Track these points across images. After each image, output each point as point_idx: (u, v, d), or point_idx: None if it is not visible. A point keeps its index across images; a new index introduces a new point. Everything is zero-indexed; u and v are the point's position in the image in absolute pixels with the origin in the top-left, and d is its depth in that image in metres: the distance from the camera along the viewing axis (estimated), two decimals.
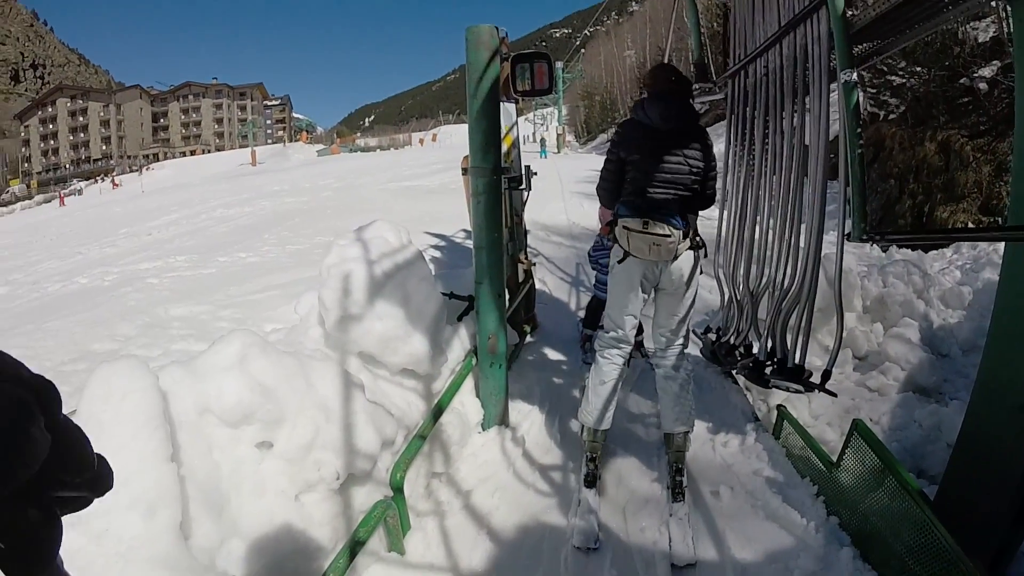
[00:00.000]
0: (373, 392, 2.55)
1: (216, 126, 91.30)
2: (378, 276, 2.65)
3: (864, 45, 2.69)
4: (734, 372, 3.65)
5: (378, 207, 11.38)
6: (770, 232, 3.06)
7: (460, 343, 3.10)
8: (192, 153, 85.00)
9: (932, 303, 4.88)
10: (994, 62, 6.93)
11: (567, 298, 5.76)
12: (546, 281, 6.10)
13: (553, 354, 4.26)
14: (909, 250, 6.64)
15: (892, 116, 8.10)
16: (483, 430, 3.13)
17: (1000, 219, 6.24)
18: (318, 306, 2.71)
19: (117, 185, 54.60)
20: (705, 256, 2.76)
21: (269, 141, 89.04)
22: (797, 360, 2.77)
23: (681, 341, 2.82)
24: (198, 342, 3.52)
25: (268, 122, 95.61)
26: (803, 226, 2.74)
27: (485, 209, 2.77)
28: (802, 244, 2.73)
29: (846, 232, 2.18)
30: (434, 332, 2.79)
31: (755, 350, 3.19)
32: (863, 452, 2.37)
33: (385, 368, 2.74)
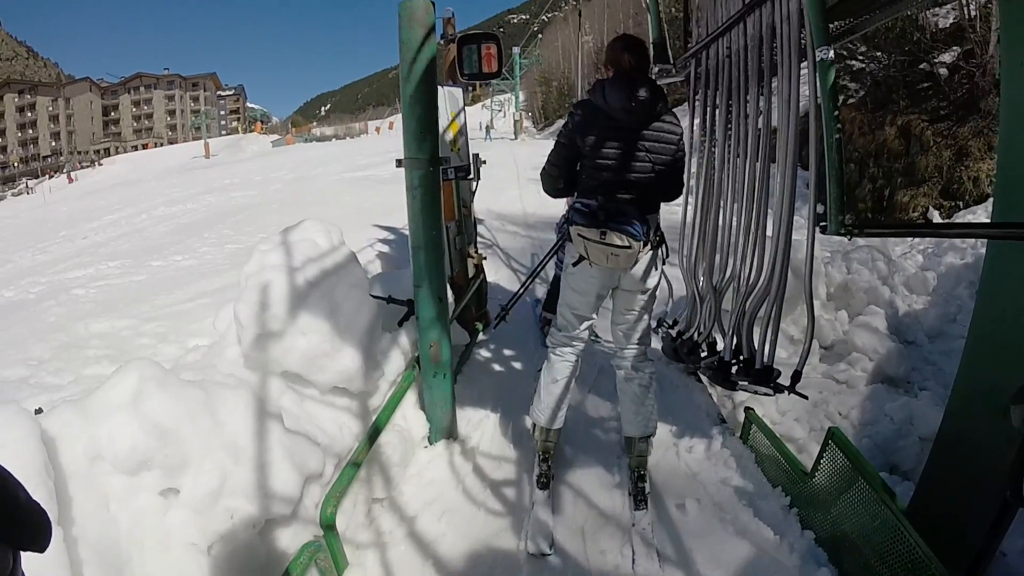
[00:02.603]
0: (297, 418, 2.26)
1: (168, 118, 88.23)
2: (302, 285, 2.35)
3: (836, 24, 2.51)
4: (698, 371, 3.45)
5: (328, 199, 10.96)
6: (734, 222, 2.86)
7: (400, 352, 2.82)
8: (144, 147, 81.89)
9: (897, 289, 4.81)
10: (954, 48, 6.91)
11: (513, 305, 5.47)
12: (499, 274, 5.82)
13: (507, 352, 4.00)
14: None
15: (852, 100, 8.04)
16: (430, 444, 2.87)
17: (960, 203, 6.21)
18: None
19: (73, 180, 53.08)
20: (666, 254, 2.59)
21: (223, 133, 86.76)
22: (765, 360, 2.57)
23: (640, 338, 2.64)
24: (113, 365, 3.16)
25: (222, 113, 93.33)
26: (771, 216, 2.55)
27: (422, 204, 2.46)
28: (769, 235, 2.53)
29: (820, 223, 1.99)
30: (368, 344, 2.50)
31: (719, 347, 2.99)
32: (839, 463, 2.23)
33: (314, 387, 2.44)
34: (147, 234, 10.09)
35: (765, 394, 2.61)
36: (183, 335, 3.57)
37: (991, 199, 5.93)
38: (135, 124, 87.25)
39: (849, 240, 1.91)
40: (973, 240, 5.69)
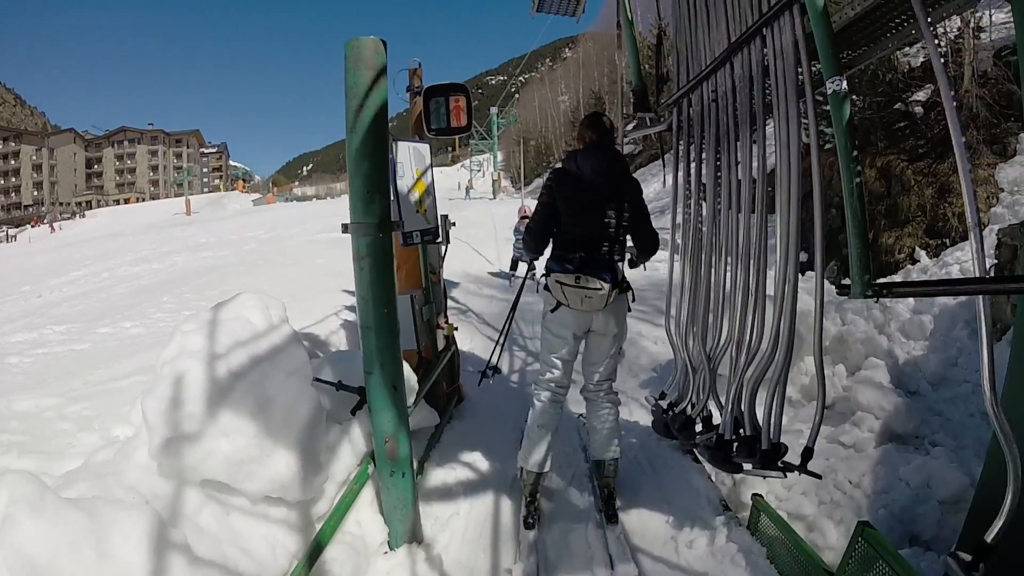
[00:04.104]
0: (218, 539, 1.84)
1: (151, 173, 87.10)
2: (225, 375, 1.97)
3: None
4: (694, 451, 3.10)
5: (301, 260, 10.58)
6: (729, 281, 2.57)
7: (352, 447, 2.41)
8: (126, 201, 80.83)
9: (894, 337, 4.59)
10: (927, 85, 6.93)
11: (498, 360, 5.11)
12: (474, 341, 5.47)
13: (482, 432, 3.60)
14: None
15: (828, 145, 8.04)
16: (390, 550, 2.43)
17: (947, 241, 6.06)
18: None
19: (55, 230, 52.31)
20: (633, 299, 2.82)
21: (205, 190, 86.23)
22: (772, 436, 2.25)
23: (609, 374, 2.87)
24: (24, 455, 2.72)
25: (204, 170, 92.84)
26: (770, 272, 2.26)
27: (371, 277, 2.10)
28: (771, 294, 2.24)
29: (836, 281, 1.73)
30: (308, 443, 2.10)
31: (716, 421, 2.66)
32: (871, 562, 1.87)
33: (243, 496, 2.02)
34: (104, 295, 9.54)
35: (775, 476, 2.28)
36: (109, 420, 3.12)
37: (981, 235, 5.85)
38: (117, 178, 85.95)
39: (876, 302, 1.72)
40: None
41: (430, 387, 3.17)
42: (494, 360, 3.54)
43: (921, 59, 7.42)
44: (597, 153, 2.62)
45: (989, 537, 1.63)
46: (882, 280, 1.65)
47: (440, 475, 3.02)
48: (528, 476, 2.76)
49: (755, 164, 2.34)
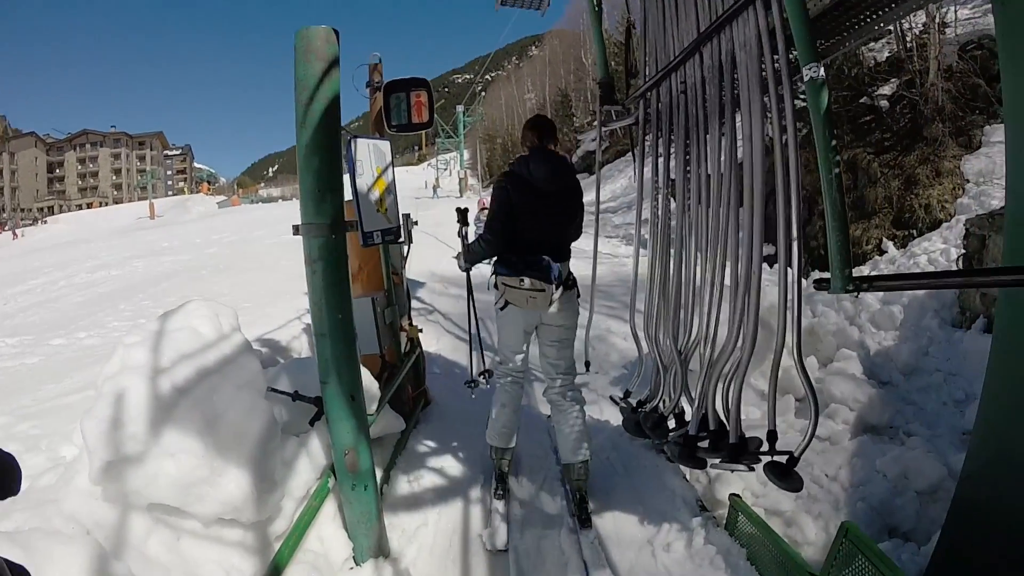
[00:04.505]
0: (168, 569, 1.71)
1: (114, 177, 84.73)
2: (169, 392, 1.83)
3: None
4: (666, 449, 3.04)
5: (265, 264, 10.31)
6: (697, 275, 2.51)
7: (311, 461, 2.28)
8: (89, 206, 78.33)
9: (865, 328, 4.63)
10: (892, 80, 7.01)
11: (466, 359, 4.93)
12: (441, 343, 5.34)
13: (449, 436, 3.49)
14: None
15: (794, 137, 8.09)
16: (356, 565, 2.31)
17: (914, 231, 6.14)
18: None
19: (17, 236, 50.10)
20: (579, 296, 2.90)
21: (170, 193, 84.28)
22: (739, 431, 2.20)
23: (567, 369, 2.90)
24: None
25: (169, 173, 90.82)
26: (740, 267, 2.20)
27: (324, 281, 1.98)
28: (740, 290, 2.18)
29: (814, 278, 1.68)
30: (261, 459, 1.96)
31: (689, 418, 2.60)
32: (856, 563, 1.82)
33: (195, 519, 1.89)
34: (61, 304, 9.19)
35: (743, 470, 2.22)
36: (57, 440, 2.95)
37: (945, 225, 5.95)
38: (80, 182, 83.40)
39: (856, 296, 1.67)
40: (933, 268, 5.61)
41: (394, 392, 3.06)
42: (475, 366, 3.44)
43: (887, 54, 7.52)
44: (549, 161, 2.70)
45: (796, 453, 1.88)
46: (861, 274, 1.60)
47: (407, 484, 2.91)
48: (497, 452, 2.94)
49: (723, 158, 2.27)
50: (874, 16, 1.96)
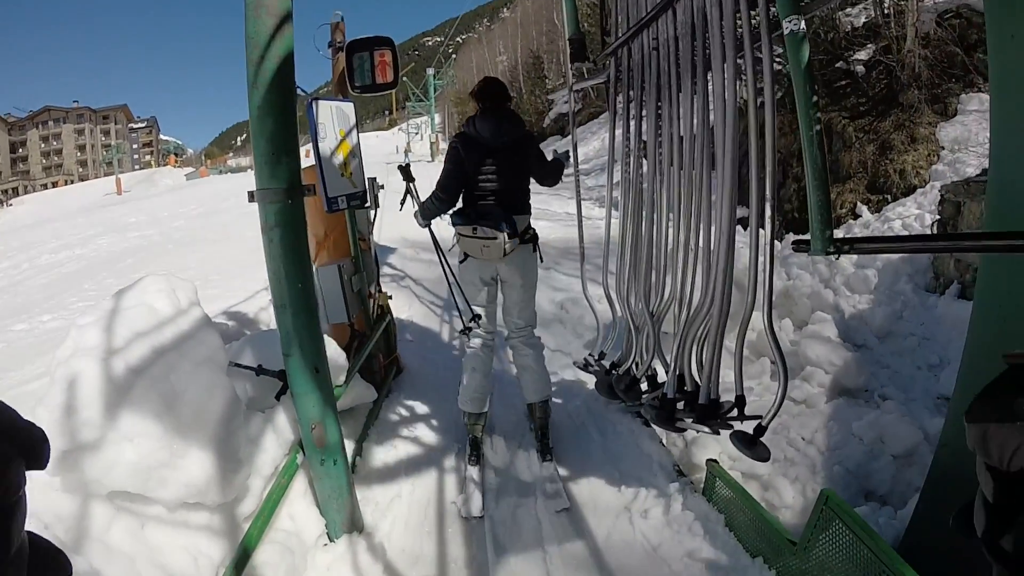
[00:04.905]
0: (132, 559, 1.64)
1: (79, 153, 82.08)
2: (123, 373, 1.73)
3: None
4: (641, 412, 3.02)
5: (232, 235, 10.01)
6: (670, 237, 2.45)
7: (277, 436, 2.20)
8: (55, 185, 75.80)
9: (839, 291, 4.64)
10: (869, 45, 6.95)
11: (439, 327, 4.94)
12: (412, 309, 5.24)
13: (422, 404, 3.44)
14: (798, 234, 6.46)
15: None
16: (330, 542, 2.27)
17: (888, 196, 6.15)
18: None
19: None
20: (541, 260, 3.05)
21: (136, 167, 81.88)
22: (711, 394, 2.17)
23: (527, 319, 3.06)
24: None
25: (134, 147, 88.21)
26: (713, 228, 2.15)
27: (282, 248, 1.87)
28: (713, 252, 2.14)
29: (791, 239, 1.63)
30: (224, 438, 1.88)
31: (661, 380, 2.57)
32: (836, 531, 1.80)
33: (159, 504, 1.81)
34: (23, 288, 8.86)
35: (713, 433, 2.20)
36: None
37: (920, 191, 5.98)
38: (44, 161, 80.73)
39: (837, 258, 1.63)
40: (907, 232, 5.65)
41: (364, 361, 2.98)
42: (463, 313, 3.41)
43: (864, 19, 7.45)
44: (493, 117, 2.83)
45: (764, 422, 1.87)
46: (841, 236, 1.54)
47: (380, 455, 2.86)
48: (470, 418, 2.99)
49: (696, 119, 2.19)
50: None
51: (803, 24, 1.53)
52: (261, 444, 2.12)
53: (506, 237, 2.74)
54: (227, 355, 2.18)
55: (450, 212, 2.92)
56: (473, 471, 2.81)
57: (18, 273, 10.67)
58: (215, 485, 1.83)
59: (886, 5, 6.87)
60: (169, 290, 2.09)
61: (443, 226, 3.03)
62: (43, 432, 0.80)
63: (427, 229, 3.11)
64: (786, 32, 1.55)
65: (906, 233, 5.55)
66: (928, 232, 5.08)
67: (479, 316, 3.06)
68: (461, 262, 2.95)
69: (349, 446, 2.63)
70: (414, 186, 3.13)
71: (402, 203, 3.24)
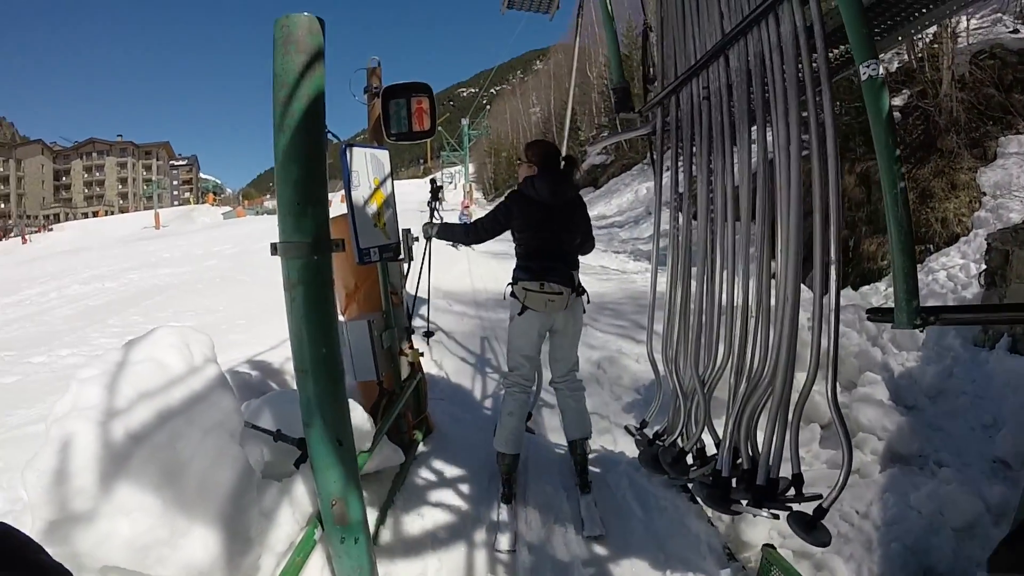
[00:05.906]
0: None
1: (120, 186, 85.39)
2: (122, 438, 1.58)
3: (842, 48, 2.07)
4: (689, 487, 2.79)
5: (262, 278, 9.93)
6: (724, 297, 2.28)
7: (293, 510, 2.00)
8: (95, 214, 78.49)
9: (887, 349, 4.37)
10: (904, 91, 6.83)
11: (471, 383, 4.75)
12: (445, 364, 5.05)
13: (453, 467, 3.22)
14: (850, 289, 6.19)
15: (806, 151, 7.90)
16: None
17: (931, 246, 5.91)
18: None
19: (27, 241, 50.99)
20: (588, 301, 3.19)
21: (175, 203, 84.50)
22: (770, 471, 1.95)
23: (572, 366, 3.21)
24: None
25: (175, 183, 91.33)
26: (773, 290, 1.97)
27: (305, 309, 1.71)
28: (773, 314, 1.96)
29: (868, 310, 1.46)
30: (233, 514, 1.71)
31: (710, 453, 2.36)
32: None
33: None
34: (48, 318, 8.86)
35: (771, 517, 2.01)
36: (19, 476, 2.68)
37: (963, 239, 5.74)
38: (86, 191, 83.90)
39: (922, 331, 1.47)
40: (952, 284, 5.39)
41: (393, 422, 2.80)
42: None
43: (897, 64, 7.35)
44: (552, 179, 2.98)
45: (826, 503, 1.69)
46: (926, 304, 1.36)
47: (406, 524, 2.64)
48: (503, 458, 3.01)
49: (756, 170, 2.05)
50: (928, 8, 1.76)
51: (881, 69, 1.40)
52: (275, 518, 1.92)
53: (569, 292, 2.92)
54: (242, 416, 2.02)
55: (514, 268, 3.04)
56: (505, 509, 2.87)
57: (46, 301, 10.74)
58: (220, 566, 1.64)
59: (918, 48, 6.76)
60: (182, 345, 1.95)
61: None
62: (68, 572, 0.80)
63: (427, 240, 3.29)
64: (864, 78, 1.42)
65: (951, 284, 5.32)
66: (974, 283, 4.85)
67: (431, 334, 3.35)
68: (519, 314, 3.01)
69: (372, 514, 2.43)
70: (436, 204, 3.36)
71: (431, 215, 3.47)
